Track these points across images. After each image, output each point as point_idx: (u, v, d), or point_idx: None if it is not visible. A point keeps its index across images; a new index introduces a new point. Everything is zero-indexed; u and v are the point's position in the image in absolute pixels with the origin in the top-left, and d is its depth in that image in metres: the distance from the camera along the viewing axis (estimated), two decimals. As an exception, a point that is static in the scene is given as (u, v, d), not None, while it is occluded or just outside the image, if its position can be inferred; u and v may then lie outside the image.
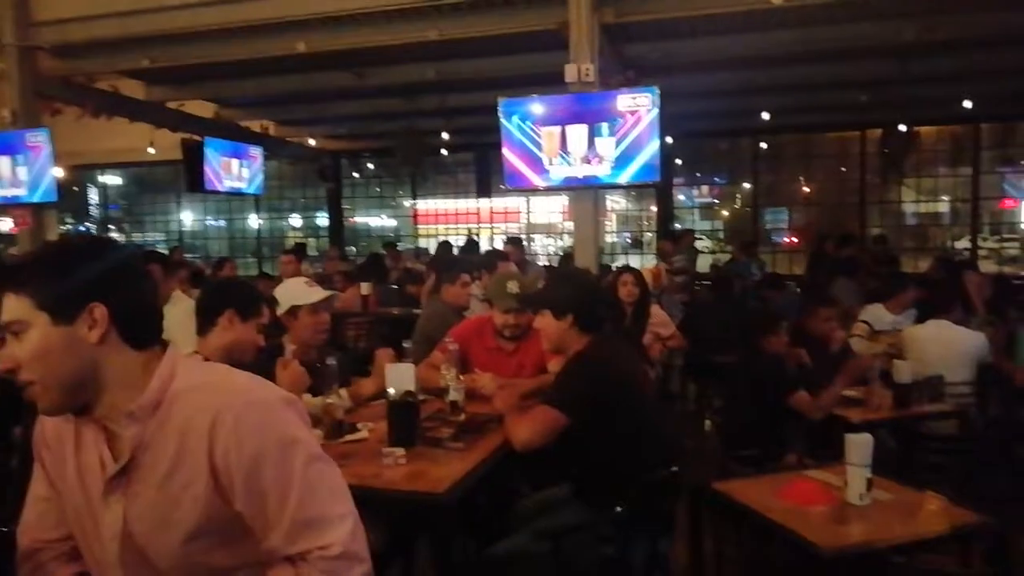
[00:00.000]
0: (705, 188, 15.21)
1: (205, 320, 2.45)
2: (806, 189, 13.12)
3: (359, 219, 14.93)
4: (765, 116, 9.52)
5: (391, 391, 2.53)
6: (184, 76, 7.86)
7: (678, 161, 12.51)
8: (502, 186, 12.77)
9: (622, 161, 5.59)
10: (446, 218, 13.99)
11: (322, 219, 14.87)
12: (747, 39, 6.72)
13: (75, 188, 15.27)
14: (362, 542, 1.22)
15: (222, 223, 15.67)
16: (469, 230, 13.17)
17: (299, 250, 8.64)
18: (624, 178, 5.68)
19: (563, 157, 5.76)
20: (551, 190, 7.11)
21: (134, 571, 1.25)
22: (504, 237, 12.43)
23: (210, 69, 7.28)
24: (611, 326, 2.73)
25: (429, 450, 2.47)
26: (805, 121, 10.93)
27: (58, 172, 6.87)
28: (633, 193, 13.61)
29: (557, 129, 5.82)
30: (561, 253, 10.04)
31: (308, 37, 6.24)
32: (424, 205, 13.95)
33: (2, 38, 6.78)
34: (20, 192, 6.77)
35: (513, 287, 3.27)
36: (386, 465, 2.28)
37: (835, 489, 2.23)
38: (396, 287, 7.80)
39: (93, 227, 16.79)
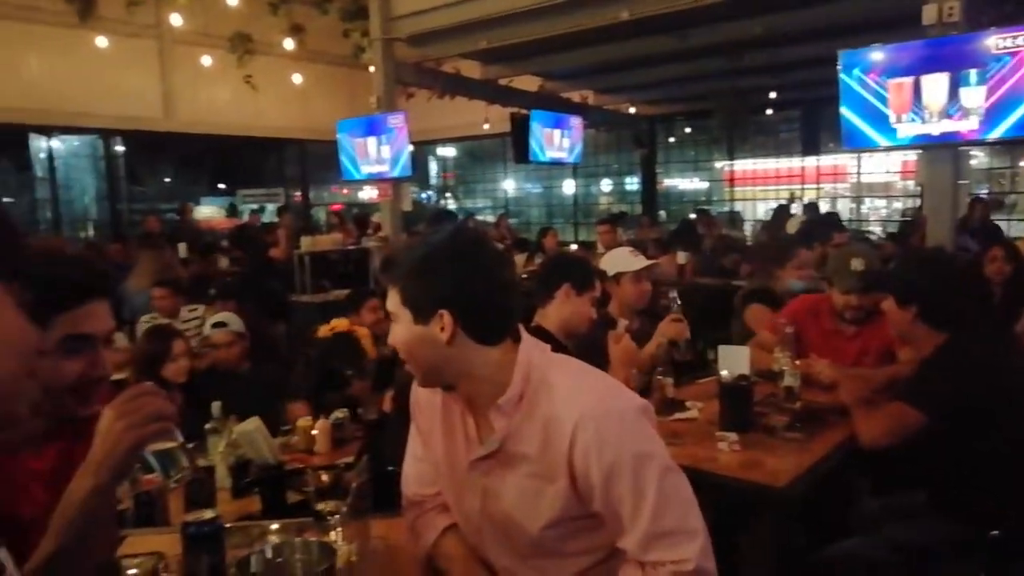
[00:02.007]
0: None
1: (544, 292, 2.61)
2: None
3: (668, 182, 14.73)
4: None
5: (724, 373, 2.47)
6: (515, 54, 8.38)
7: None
8: (831, 144, 11.85)
9: (994, 114, 4.71)
10: (764, 179, 13.24)
11: (631, 184, 14.98)
12: None
13: (419, 159, 17.32)
14: (712, 559, 1.22)
15: (539, 189, 16.60)
16: (791, 192, 12.31)
17: (616, 219, 8.81)
18: (996, 134, 4.80)
19: (915, 112, 5.04)
20: (899, 149, 6.28)
21: (491, 540, 1.38)
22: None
23: (538, 45, 7.65)
24: (975, 317, 2.32)
25: (763, 438, 2.37)
26: None
27: (410, 148, 7.83)
28: (998, 147, 11.49)
29: (908, 80, 5.09)
30: (904, 219, 8.88)
31: (632, 5, 6.25)
32: (741, 166, 13.32)
33: (370, 33, 7.87)
34: (384, 168, 7.84)
35: (858, 264, 2.97)
36: (720, 450, 2.24)
37: None
38: (710, 254, 7.57)
39: (432, 195, 18.94)
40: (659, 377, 2.60)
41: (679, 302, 2.93)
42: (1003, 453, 2.04)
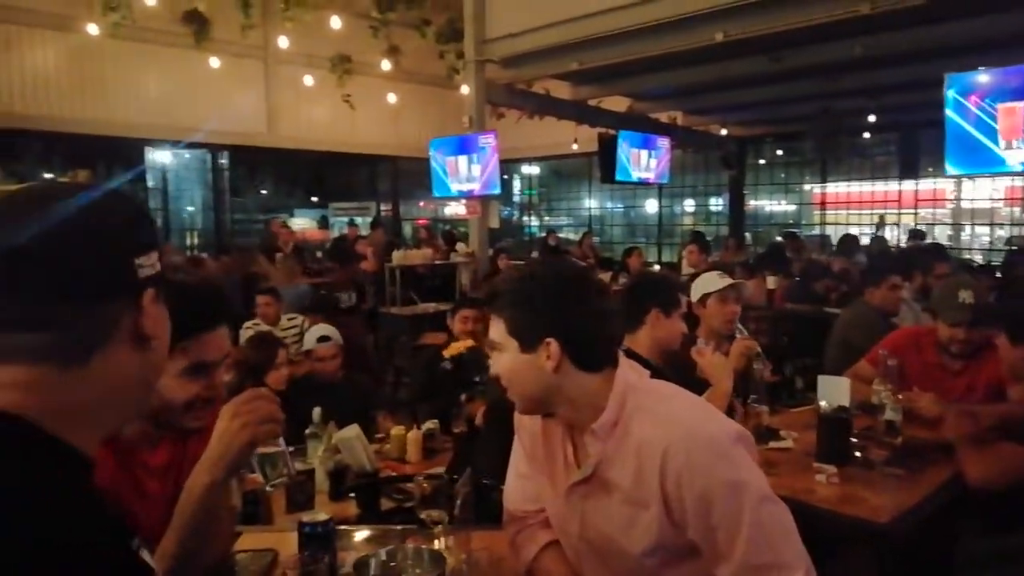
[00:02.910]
0: None
1: (632, 318, 2.61)
2: None
3: (754, 203, 14.41)
4: None
5: (823, 403, 2.42)
6: (605, 75, 8.43)
7: None
8: (930, 168, 11.35)
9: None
10: (859, 203, 12.78)
11: (716, 205, 14.72)
12: None
13: (504, 177, 17.54)
14: None
15: (621, 208, 16.50)
16: (881, 216, 11.85)
17: (700, 237, 8.71)
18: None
19: (1028, 138, 4.82)
20: (1008, 175, 6.00)
21: (590, 563, 1.41)
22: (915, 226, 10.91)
23: (628, 66, 7.68)
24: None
25: (862, 472, 2.31)
26: None
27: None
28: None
29: (1021, 105, 4.89)
30: (1010, 247, 8.44)
31: (726, 26, 6.19)
32: (834, 189, 12.91)
33: (465, 55, 8.08)
34: (474, 186, 8.00)
35: (967, 297, 2.87)
36: (817, 481, 2.20)
37: None
38: (800, 279, 7.35)
39: (515, 211, 19.11)
40: (754, 405, 2.57)
41: (743, 329, 2.92)
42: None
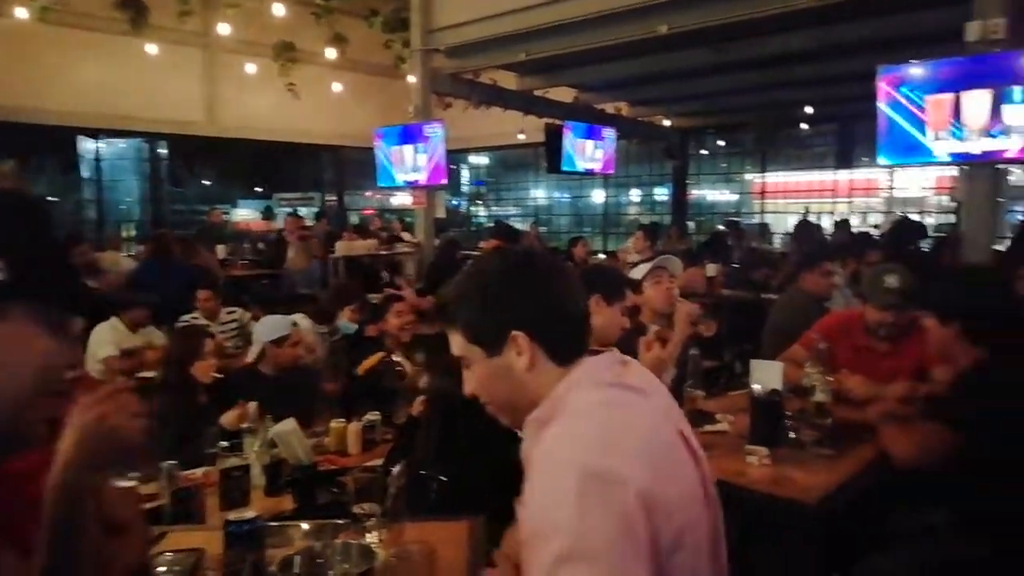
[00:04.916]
0: None
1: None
2: None
3: (697, 193, 14.69)
4: None
5: (756, 387, 2.47)
6: (550, 65, 8.44)
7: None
8: (864, 159, 11.72)
9: (1038, 132, 4.65)
10: (796, 192, 13.18)
11: (660, 195, 14.95)
12: None
13: (452, 167, 17.49)
14: None
15: (568, 199, 16.62)
16: (806, 207, 12.27)
17: (649, 227, 8.85)
18: (1041, 152, 4.73)
19: (954, 129, 4.98)
20: (937, 165, 6.21)
21: None
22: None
23: (574, 57, 7.70)
24: (1015, 336, 2.30)
25: (793, 453, 2.37)
26: None
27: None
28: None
29: (948, 97, 5.04)
30: (938, 235, 8.76)
31: (671, 18, 6.26)
32: (772, 179, 13.27)
33: (411, 45, 7.99)
34: (419, 177, 7.93)
35: (893, 281, 2.97)
36: (749, 463, 2.25)
37: None
38: (738, 267, 7.52)
39: (463, 202, 19.06)
40: (689, 389, 2.61)
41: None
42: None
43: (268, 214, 13.79)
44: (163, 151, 11.79)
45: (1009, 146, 4.75)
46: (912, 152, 5.24)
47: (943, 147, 5.08)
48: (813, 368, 2.65)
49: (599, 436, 1.05)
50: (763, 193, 13.40)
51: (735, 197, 14.79)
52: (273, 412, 2.83)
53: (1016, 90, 4.68)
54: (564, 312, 1.19)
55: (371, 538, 1.53)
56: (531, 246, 8.79)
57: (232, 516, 1.44)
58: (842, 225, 9.60)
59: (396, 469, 1.65)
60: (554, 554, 0.97)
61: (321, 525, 1.84)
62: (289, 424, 2.70)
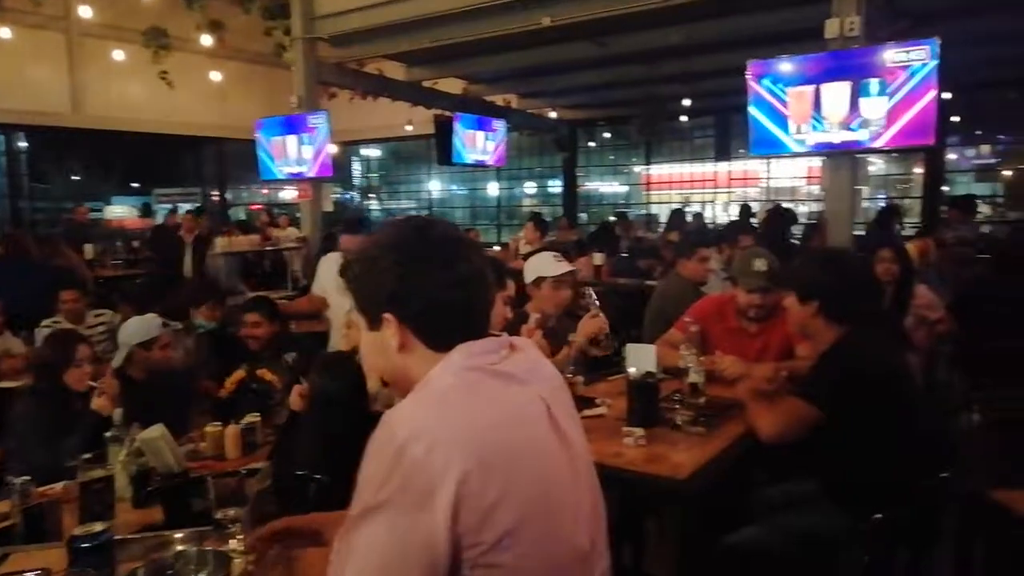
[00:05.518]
0: (985, 148, 13.16)
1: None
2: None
3: (588, 185, 15.04)
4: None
5: (632, 370, 2.54)
6: (438, 56, 8.36)
7: (954, 119, 10.96)
8: (741, 150, 12.33)
9: (888, 123, 5.01)
10: (680, 183, 13.73)
11: (554, 187, 15.20)
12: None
13: (342, 160, 17.09)
14: None
15: (464, 191, 16.63)
16: (686, 198, 12.87)
17: (538, 218, 8.94)
18: (890, 143, 5.09)
19: (816, 121, 5.30)
20: (800, 155, 6.58)
21: None
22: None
23: (462, 48, 7.66)
24: (869, 312, 2.47)
25: (668, 432, 2.45)
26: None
27: (332, 149, 7.70)
28: (895, 154, 12.22)
29: (809, 89, 5.35)
30: (809, 221, 9.33)
31: (553, 10, 6.34)
32: (657, 171, 13.75)
33: (292, 32, 7.72)
34: (304, 169, 7.68)
35: (760, 265, 3.12)
36: (626, 445, 2.31)
37: None
38: (627, 256, 7.78)
39: (356, 195, 18.69)
40: (569, 375, 2.65)
41: (596, 300, 3.00)
42: (881, 439, 2.17)
43: (146, 211, 13.05)
44: (23, 144, 10.90)
45: (864, 136, 5.10)
46: (777, 143, 5.53)
47: (806, 138, 5.38)
48: (687, 350, 2.75)
49: (427, 420, 1.03)
50: (648, 184, 13.85)
51: (624, 189, 15.21)
52: (143, 419, 2.67)
53: (872, 83, 5.02)
54: (441, 299, 1.11)
55: (234, 544, 1.46)
56: (439, 220, 8.70)
57: (77, 531, 1.34)
58: (697, 217, 10.21)
59: (259, 471, 1.59)
60: (361, 505, 1.00)
61: (186, 535, 1.76)
62: (157, 430, 2.55)
